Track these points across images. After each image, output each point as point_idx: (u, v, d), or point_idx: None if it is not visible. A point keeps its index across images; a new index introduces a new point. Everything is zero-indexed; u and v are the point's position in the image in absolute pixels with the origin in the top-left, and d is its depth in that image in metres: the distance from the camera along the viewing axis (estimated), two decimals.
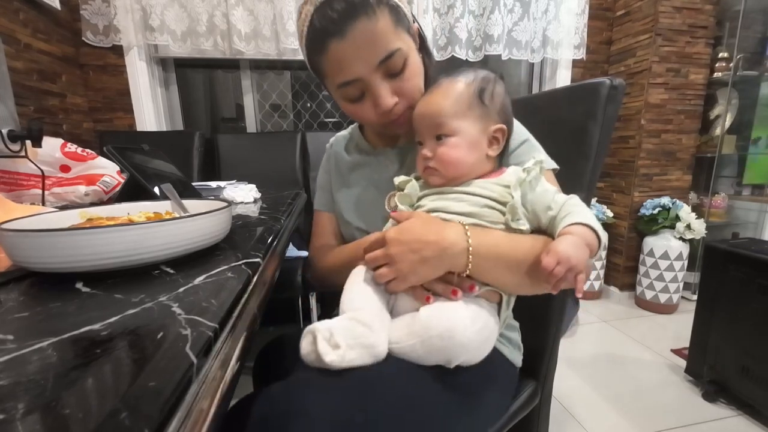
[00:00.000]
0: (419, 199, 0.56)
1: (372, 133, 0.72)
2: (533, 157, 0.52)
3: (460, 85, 0.52)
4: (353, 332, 0.45)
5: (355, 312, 0.48)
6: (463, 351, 0.46)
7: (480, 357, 0.49)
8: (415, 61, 0.57)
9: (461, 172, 0.53)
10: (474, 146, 0.52)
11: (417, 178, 0.58)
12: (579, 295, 0.45)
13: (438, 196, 0.54)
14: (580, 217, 0.47)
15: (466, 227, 0.49)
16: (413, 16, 0.59)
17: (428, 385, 0.48)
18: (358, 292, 0.51)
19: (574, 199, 0.50)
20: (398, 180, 0.57)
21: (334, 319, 0.46)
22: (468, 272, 0.48)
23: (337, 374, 0.44)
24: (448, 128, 0.52)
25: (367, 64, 0.53)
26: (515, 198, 0.49)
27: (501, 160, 0.58)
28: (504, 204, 0.51)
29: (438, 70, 0.61)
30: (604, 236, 0.48)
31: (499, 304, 0.53)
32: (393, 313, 0.53)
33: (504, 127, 0.54)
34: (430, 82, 0.59)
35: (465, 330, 0.45)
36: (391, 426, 0.45)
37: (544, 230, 0.52)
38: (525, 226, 0.50)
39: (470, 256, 0.47)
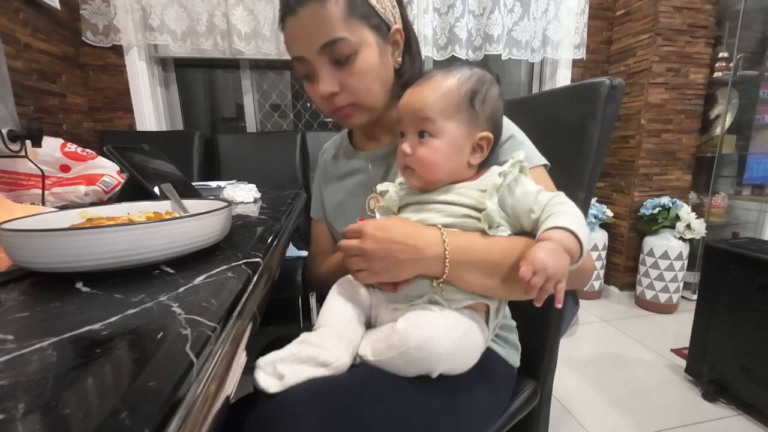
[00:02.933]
0: (400, 209, 0.55)
1: (359, 136, 0.72)
2: (512, 157, 0.50)
3: (452, 81, 0.49)
4: (300, 356, 0.45)
5: (311, 333, 0.48)
6: (441, 361, 0.45)
7: (464, 366, 0.48)
8: (369, 60, 0.56)
9: (439, 177, 0.51)
10: (456, 152, 0.50)
11: (400, 184, 0.56)
12: (558, 306, 0.42)
13: (418, 206, 0.52)
14: (559, 220, 0.44)
15: (443, 231, 0.48)
16: (395, 17, 0.58)
17: (415, 385, 0.48)
18: (330, 307, 0.52)
19: (558, 198, 0.48)
20: (380, 188, 0.57)
21: (286, 347, 0.46)
22: (444, 278, 0.47)
23: (325, 382, 0.44)
24: (433, 127, 0.49)
25: (310, 45, 0.54)
26: (489, 206, 0.47)
27: (484, 164, 0.55)
28: (482, 211, 0.48)
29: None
30: (586, 239, 0.44)
31: (487, 314, 0.52)
32: (375, 324, 0.54)
33: (491, 136, 0.51)
34: (407, 84, 0.56)
35: (442, 340, 0.44)
36: (379, 428, 0.45)
37: (529, 233, 0.50)
38: (506, 233, 0.49)
39: (447, 262, 0.47)
